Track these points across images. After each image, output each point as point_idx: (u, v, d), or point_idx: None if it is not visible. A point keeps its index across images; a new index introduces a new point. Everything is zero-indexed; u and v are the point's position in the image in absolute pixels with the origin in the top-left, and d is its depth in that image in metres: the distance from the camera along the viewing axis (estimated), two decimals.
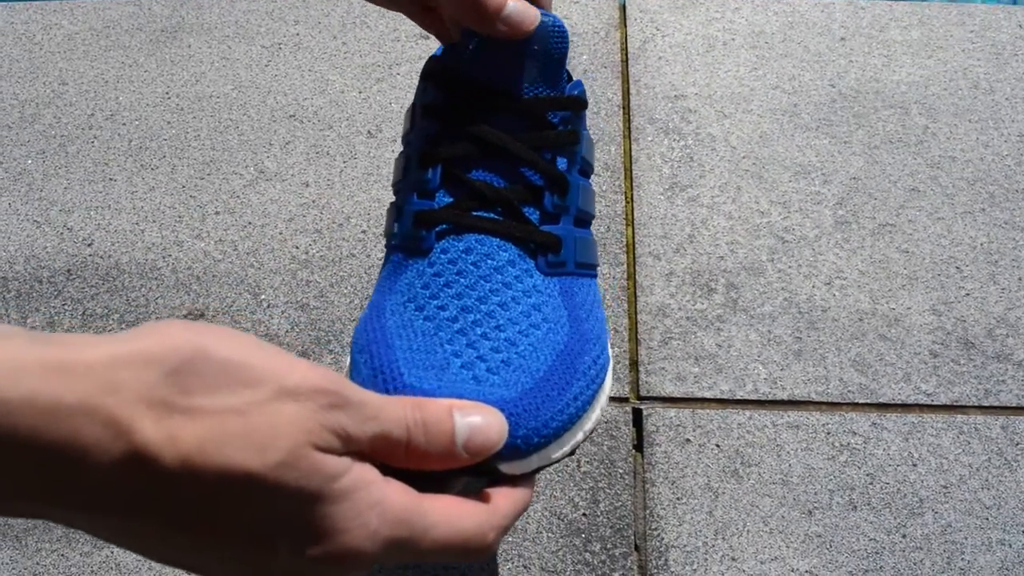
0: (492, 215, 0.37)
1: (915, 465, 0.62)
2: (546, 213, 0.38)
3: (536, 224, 0.38)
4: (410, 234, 0.37)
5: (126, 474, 0.22)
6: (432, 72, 0.38)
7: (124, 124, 0.79)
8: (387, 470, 0.28)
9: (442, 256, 0.36)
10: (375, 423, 0.26)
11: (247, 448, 0.22)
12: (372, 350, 0.34)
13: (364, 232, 0.73)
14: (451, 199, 0.37)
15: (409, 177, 0.38)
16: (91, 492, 0.22)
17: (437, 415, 0.28)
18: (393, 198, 0.36)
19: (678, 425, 0.63)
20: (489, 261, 0.36)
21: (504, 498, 0.30)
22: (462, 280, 0.36)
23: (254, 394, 0.23)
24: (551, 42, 0.37)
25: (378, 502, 0.25)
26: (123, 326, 0.68)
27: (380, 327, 0.35)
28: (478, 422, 0.29)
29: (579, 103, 0.39)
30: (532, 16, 0.36)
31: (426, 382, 0.32)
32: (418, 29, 0.88)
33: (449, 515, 0.28)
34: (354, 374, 0.35)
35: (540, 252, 0.38)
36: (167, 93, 0.81)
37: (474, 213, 0.36)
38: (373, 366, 0.34)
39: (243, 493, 0.23)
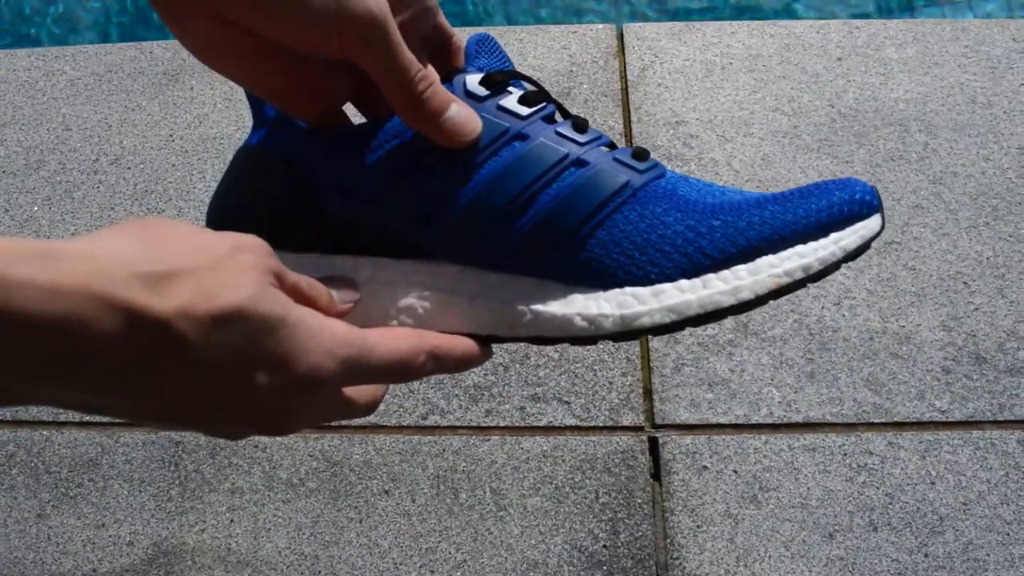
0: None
1: (933, 483, 0.62)
2: None
3: None
4: (647, 167, 0.39)
5: (127, 339, 0.25)
6: (496, 78, 0.38)
7: (129, 168, 0.80)
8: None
9: (672, 175, 0.40)
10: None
11: (226, 291, 0.27)
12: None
13: None
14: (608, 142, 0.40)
15: (579, 142, 0.38)
16: (95, 364, 0.25)
17: None
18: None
19: (694, 452, 0.63)
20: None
21: (438, 334, 0.34)
22: (700, 182, 0.40)
23: (217, 252, 0.28)
24: None
25: (326, 327, 0.30)
26: None
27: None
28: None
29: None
30: (473, 126, 0.33)
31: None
32: None
33: (386, 339, 0.32)
34: None
35: None
36: (171, 136, 0.82)
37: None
38: None
39: (229, 328, 0.27)
